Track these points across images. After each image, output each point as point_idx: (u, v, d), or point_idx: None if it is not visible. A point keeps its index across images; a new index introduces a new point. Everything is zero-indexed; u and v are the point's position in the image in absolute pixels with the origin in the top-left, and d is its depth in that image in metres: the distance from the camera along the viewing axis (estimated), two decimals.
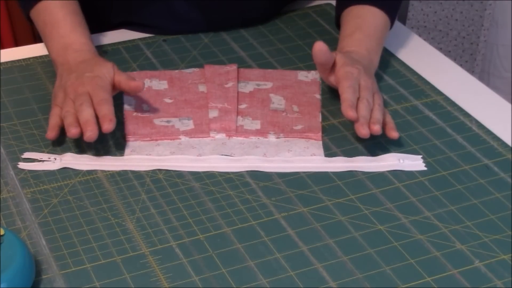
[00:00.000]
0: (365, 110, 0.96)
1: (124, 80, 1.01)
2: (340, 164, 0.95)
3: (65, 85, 1.01)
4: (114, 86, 1.01)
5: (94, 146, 0.97)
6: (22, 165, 0.95)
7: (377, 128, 0.95)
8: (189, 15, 1.20)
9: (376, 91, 1.01)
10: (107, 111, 0.95)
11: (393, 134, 0.97)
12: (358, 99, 0.97)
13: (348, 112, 0.94)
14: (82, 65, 1.02)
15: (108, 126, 0.94)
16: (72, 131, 0.94)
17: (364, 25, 1.09)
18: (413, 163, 0.95)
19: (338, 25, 1.16)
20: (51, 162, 0.95)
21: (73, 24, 1.09)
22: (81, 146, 0.98)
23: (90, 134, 0.93)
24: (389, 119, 0.99)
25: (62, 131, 0.98)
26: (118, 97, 1.06)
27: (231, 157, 0.96)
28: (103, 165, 0.95)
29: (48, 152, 0.97)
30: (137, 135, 0.99)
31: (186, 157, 0.96)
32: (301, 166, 0.95)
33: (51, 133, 0.97)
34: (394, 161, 0.95)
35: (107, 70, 1.01)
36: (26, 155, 0.96)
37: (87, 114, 0.95)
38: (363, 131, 0.94)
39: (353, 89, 0.97)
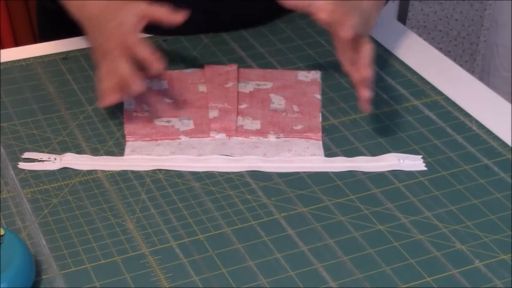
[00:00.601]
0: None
1: (155, 9, 0.99)
2: (340, 164, 0.95)
3: (94, 44, 1.01)
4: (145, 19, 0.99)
5: (94, 146, 0.98)
6: (22, 165, 0.95)
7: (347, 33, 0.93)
8: (189, 15, 1.19)
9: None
10: (147, 52, 0.95)
11: (364, 93, 0.95)
12: None
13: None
14: (102, 16, 1.01)
15: (157, 66, 0.95)
16: (111, 99, 0.95)
17: None
18: (413, 163, 0.95)
19: None
20: (51, 162, 0.95)
21: None
22: (81, 146, 0.98)
23: (138, 86, 0.94)
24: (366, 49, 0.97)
25: (55, 130, 0.98)
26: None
27: (231, 157, 0.96)
28: (103, 165, 0.95)
29: (48, 152, 0.97)
30: (137, 135, 0.99)
31: (186, 157, 0.96)
32: (301, 166, 0.95)
33: (104, 102, 0.98)
34: (394, 161, 0.95)
35: (130, 14, 0.98)
36: (26, 155, 0.96)
37: (124, 67, 0.95)
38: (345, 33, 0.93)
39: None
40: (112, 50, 0.97)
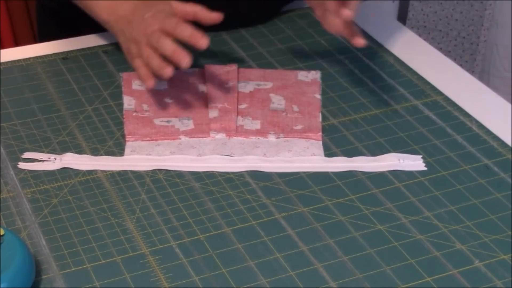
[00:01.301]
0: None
1: (188, 7, 1.01)
2: (340, 164, 0.95)
3: (130, 36, 1.02)
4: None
5: (94, 146, 0.98)
6: (22, 165, 0.95)
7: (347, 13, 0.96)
8: None
9: None
10: (189, 29, 0.96)
11: (359, 41, 1.00)
12: None
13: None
14: (138, 11, 1.03)
15: (203, 41, 0.96)
16: (165, 71, 0.96)
17: None
18: (413, 163, 0.95)
19: None
20: (51, 162, 0.95)
21: None
22: (81, 146, 0.98)
23: (186, 61, 0.95)
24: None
25: (56, 130, 0.98)
26: (118, 97, 1.06)
27: (231, 157, 0.96)
28: (103, 165, 0.95)
29: (48, 152, 0.97)
30: (137, 135, 0.99)
31: (186, 157, 0.96)
32: (301, 166, 0.95)
33: (149, 81, 0.99)
34: (394, 161, 0.95)
35: (164, 5, 1.01)
36: (26, 155, 0.96)
37: (169, 45, 0.96)
38: (347, 13, 0.96)
39: None
40: (154, 32, 0.98)
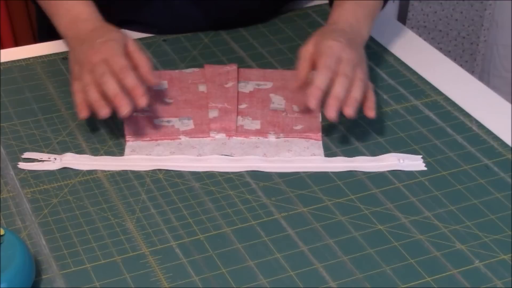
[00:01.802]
0: (340, 88, 0.94)
1: (138, 53, 0.99)
2: (340, 164, 0.95)
3: (78, 57, 1.00)
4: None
5: (94, 146, 0.97)
6: (22, 165, 0.95)
7: (349, 111, 0.93)
8: (188, 13, 1.20)
9: (359, 64, 0.98)
10: (133, 81, 0.94)
11: (369, 113, 0.96)
12: (336, 74, 0.95)
13: (310, 100, 0.93)
14: (93, 33, 1.02)
15: (142, 101, 0.94)
16: (102, 113, 0.94)
17: None
18: (413, 163, 0.95)
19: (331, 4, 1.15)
20: (51, 162, 0.95)
21: None
22: (81, 146, 0.98)
23: (126, 110, 0.94)
24: (370, 95, 0.97)
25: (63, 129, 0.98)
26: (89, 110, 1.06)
27: (231, 157, 0.96)
28: (103, 165, 0.95)
29: (48, 152, 0.97)
30: (137, 135, 0.99)
31: (186, 157, 0.96)
32: (301, 166, 0.95)
33: (83, 112, 0.96)
34: (394, 161, 0.95)
35: (119, 35, 1.00)
36: (26, 155, 0.96)
37: (113, 87, 0.94)
38: (330, 113, 0.93)
39: (327, 69, 0.95)
40: (100, 63, 0.96)
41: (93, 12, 1.07)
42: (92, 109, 0.95)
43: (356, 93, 0.95)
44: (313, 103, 0.93)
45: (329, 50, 0.97)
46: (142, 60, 0.99)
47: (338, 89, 0.94)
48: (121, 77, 0.95)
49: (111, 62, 0.96)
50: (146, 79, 0.97)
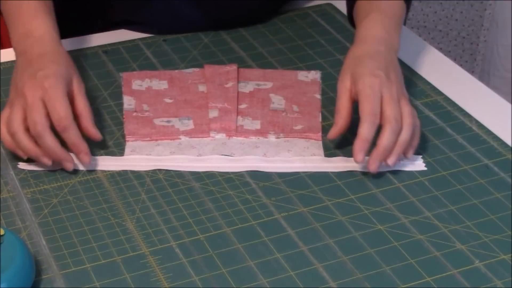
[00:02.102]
0: (388, 140, 0.90)
1: (81, 98, 0.94)
2: (339, 164, 0.95)
3: (17, 83, 0.94)
4: (68, 94, 0.93)
5: (94, 146, 0.97)
6: (22, 165, 0.94)
7: (392, 161, 0.91)
8: (188, 14, 1.20)
9: (403, 95, 0.94)
10: (74, 137, 0.90)
11: (408, 153, 0.93)
12: (381, 119, 0.91)
13: (357, 154, 0.89)
14: (39, 60, 0.95)
15: (85, 160, 0.91)
16: (43, 162, 0.91)
17: (379, 6, 1.03)
18: (413, 163, 0.95)
19: (352, 21, 1.12)
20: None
21: (36, 10, 1.00)
22: None
23: (69, 167, 0.91)
24: (416, 137, 0.94)
25: None
26: (118, 97, 1.06)
27: (231, 157, 0.96)
28: (103, 165, 0.95)
29: None
30: (137, 135, 0.99)
31: (186, 157, 0.96)
32: (301, 166, 0.95)
33: (21, 155, 0.92)
34: None
35: (65, 70, 0.94)
36: None
37: (50, 143, 0.89)
38: (373, 166, 0.90)
39: (372, 116, 0.90)
40: (36, 102, 0.90)
41: (49, 31, 0.99)
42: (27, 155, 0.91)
43: (404, 140, 0.91)
44: (359, 157, 0.90)
45: (370, 90, 0.92)
46: (85, 109, 0.94)
47: (386, 142, 0.90)
48: (59, 130, 0.90)
49: (49, 107, 0.90)
50: (87, 132, 0.93)
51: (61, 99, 0.91)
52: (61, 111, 0.90)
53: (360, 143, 0.90)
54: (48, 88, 0.91)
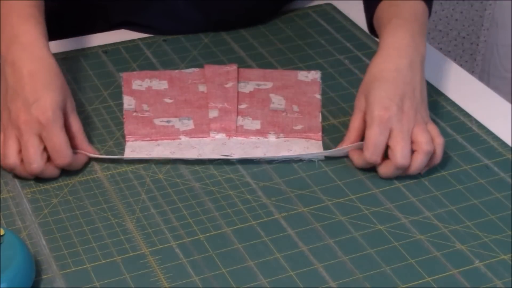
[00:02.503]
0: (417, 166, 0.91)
1: (76, 125, 0.93)
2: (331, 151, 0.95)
3: (9, 108, 0.91)
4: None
5: (94, 146, 0.97)
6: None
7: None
8: (189, 16, 1.20)
9: (419, 122, 0.92)
10: (75, 168, 0.92)
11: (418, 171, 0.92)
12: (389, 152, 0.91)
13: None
14: (31, 83, 0.90)
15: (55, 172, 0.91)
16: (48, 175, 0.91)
17: (401, 11, 1.00)
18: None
19: (371, 30, 1.08)
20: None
21: (27, 14, 0.95)
22: None
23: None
24: (437, 156, 0.93)
25: None
26: (118, 97, 1.06)
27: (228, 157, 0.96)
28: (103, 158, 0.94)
29: None
30: (137, 135, 0.99)
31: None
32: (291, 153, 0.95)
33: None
34: None
35: (60, 97, 0.91)
36: None
37: (48, 176, 0.91)
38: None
39: (370, 151, 0.91)
40: (32, 137, 0.89)
41: (38, 39, 0.94)
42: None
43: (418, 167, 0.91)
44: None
45: (376, 127, 0.90)
46: (79, 130, 0.94)
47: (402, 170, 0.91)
48: (60, 166, 0.91)
49: (49, 145, 0.89)
50: (84, 151, 0.94)
51: (59, 136, 0.89)
52: (61, 150, 0.90)
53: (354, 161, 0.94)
54: (46, 124, 0.89)
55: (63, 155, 0.90)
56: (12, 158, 0.90)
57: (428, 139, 0.91)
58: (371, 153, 0.90)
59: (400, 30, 0.97)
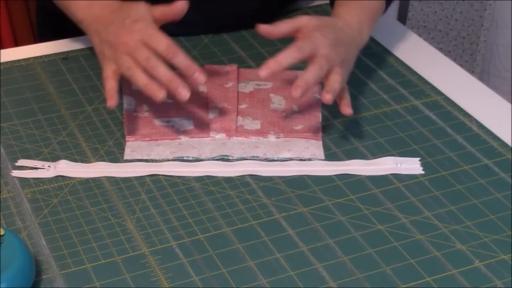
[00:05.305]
0: (311, 75, 0.93)
1: (162, 12, 0.97)
2: (336, 168, 0.95)
3: (107, 38, 0.97)
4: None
5: (94, 146, 0.97)
6: (15, 173, 0.93)
7: (328, 98, 0.93)
8: (190, 19, 1.19)
9: (339, 64, 0.96)
10: (185, 60, 0.93)
11: (347, 110, 0.97)
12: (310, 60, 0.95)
13: (262, 69, 0.92)
14: (117, 14, 0.98)
15: (201, 78, 0.93)
16: (160, 96, 0.92)
17: None
18: (411, 167, 0.95)
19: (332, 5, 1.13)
20: (45, 170, 0.94)
21: None
22: (81, 146, 0.98)
23: (185, 93, 0.93)
24: (346, 95, 0.98)
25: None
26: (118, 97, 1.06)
27: (228, 162, 0.95)
28: (97, 172, 0.94)
29: (48, 152, 0.97)
30: (137, 135, 0.99)
31: (182, 163, 0.95)
32: (298, 170, 0.94)
33: (111, 101, 0.95)
34: (391, 165, 0.95)
35: (143, 9, 0.97)
36: (20, 162, 0.95)
37: (164, 72, 0.92)
38: (294, 93, 0.91)
39: (299, 51, 0.94)
40: (138, 45, 0.93)
41: None
42: (147, 93, 0.93)
43: (334, 84, 0.94)
44: (263, 73, 0.92)
45: (312, 39, 0.95)
46: (165, 10, 0.97)
47: (308, 75, 0.93)
48: (170, 57, 0.93)
49: (151, 43, 0.93)
50: (175, 13, 0.97)
51: (158, 33, 0.94)
52: (164, 41, 0.93)
53: (271, 63, 0.93)
54: (142, 30, 0.94)
55: (170, 46, 0.93)
56: (134, 67, 0.93)
57: (330, 65, 0.95)
58: (291, 55, 0.95)
59: (351, 14, 1.03)
